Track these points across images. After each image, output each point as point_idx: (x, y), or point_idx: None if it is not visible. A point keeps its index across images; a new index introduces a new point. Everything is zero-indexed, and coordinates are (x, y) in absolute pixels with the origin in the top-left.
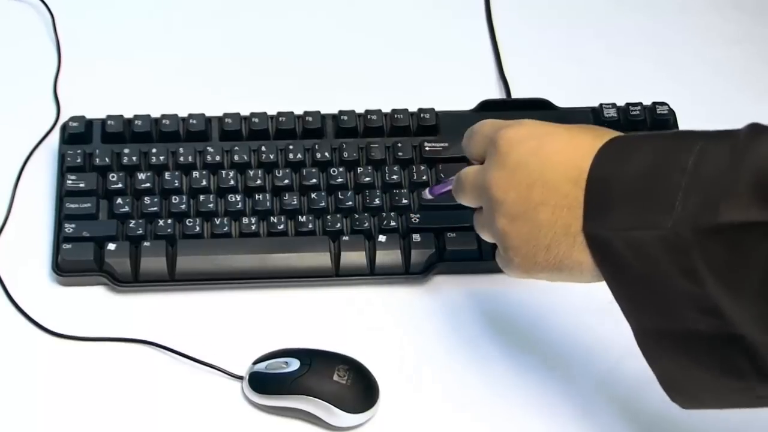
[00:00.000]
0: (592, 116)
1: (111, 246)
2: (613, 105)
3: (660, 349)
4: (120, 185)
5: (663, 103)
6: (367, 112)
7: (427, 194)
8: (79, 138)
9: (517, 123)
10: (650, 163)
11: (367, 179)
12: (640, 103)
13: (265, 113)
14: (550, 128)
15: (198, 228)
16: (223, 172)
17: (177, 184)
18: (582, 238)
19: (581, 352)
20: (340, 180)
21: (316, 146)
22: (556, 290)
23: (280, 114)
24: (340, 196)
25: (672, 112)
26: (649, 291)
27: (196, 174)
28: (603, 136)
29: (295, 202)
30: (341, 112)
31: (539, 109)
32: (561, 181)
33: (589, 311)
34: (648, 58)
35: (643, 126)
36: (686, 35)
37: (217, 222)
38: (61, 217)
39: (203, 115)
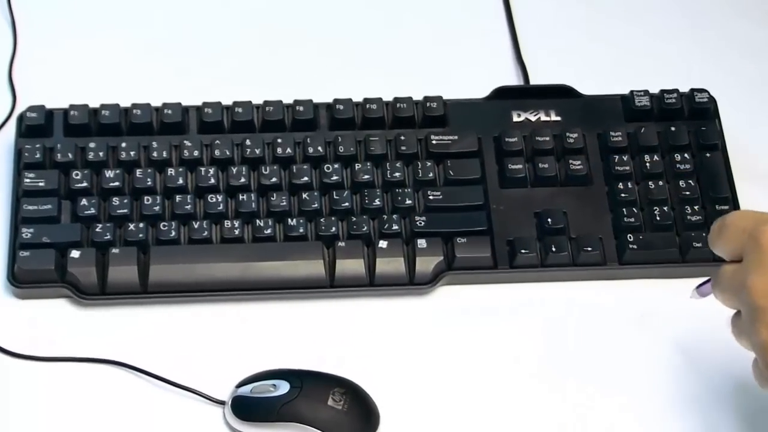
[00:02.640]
0: (622, 104)
1: (74, 253)
2: (646, 92)
3: None
4: (85, 184)
5: (702, 90)
6: (366, 100)
7: (696, 294)
8: (38, 130)
9: None
10: None
11: (366, 177)
12: (676, 90)
13: (249, 102)
14: None
15: (174, 233)
16: (202, 169)
17: (150, 183)
18: None
19: (607, 373)
20: (335, 178)
21: (308, 140)
22: (579, 306)
23: (266, 103)
24: (335, 197)
25: (713, 100)
26: None
27: (171, 171)
28: None
29: (284, 203)
30: (336, 101)
31: (561, 96)
32: None
33: (617, 328)
34: (682, 39)
35: (679, 116)
36: (724, 13)
37: (196, 226)
38: (17, 220)
39: (179, 104)
